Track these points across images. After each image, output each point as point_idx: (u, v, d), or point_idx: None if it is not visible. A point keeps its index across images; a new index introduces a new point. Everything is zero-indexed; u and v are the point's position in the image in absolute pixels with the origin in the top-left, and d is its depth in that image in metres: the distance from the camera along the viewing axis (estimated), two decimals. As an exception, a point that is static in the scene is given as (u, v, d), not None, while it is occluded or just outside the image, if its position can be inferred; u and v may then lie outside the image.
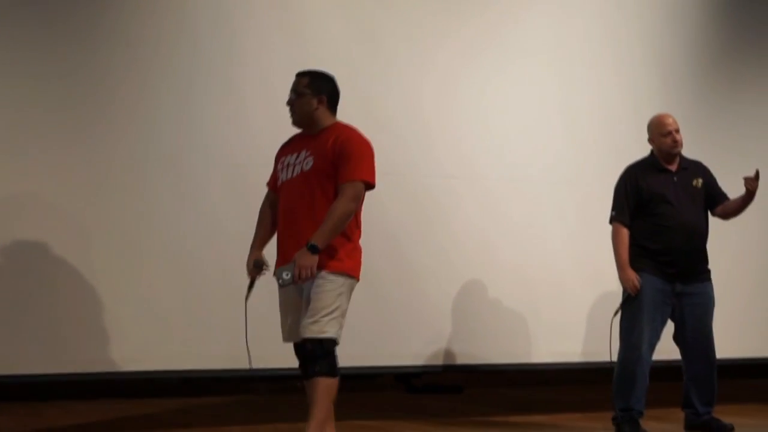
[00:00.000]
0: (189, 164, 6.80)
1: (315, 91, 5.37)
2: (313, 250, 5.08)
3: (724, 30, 8.63)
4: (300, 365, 5.30)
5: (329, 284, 5.17)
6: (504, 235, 7.60)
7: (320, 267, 5.13)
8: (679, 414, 6.72)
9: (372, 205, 7.11)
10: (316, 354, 5.14)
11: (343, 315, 5.23)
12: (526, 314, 7.64)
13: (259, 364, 6.87)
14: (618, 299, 6.56)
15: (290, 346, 6.79)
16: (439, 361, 7.43)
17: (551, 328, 7.76)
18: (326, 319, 5.14)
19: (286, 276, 5.11)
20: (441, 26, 7.50)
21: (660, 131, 6.57)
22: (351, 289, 5.29)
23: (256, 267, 5.43)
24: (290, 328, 5.36)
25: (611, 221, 6.57)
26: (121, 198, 6.63)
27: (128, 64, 6.66)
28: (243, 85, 6.92)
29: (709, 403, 6.61)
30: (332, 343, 5.17)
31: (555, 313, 7.76)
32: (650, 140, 6.64)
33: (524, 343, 7.70)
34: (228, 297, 6.76)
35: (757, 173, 6.46)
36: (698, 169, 6.70)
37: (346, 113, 7.12)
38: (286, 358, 6.88)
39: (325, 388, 5.14)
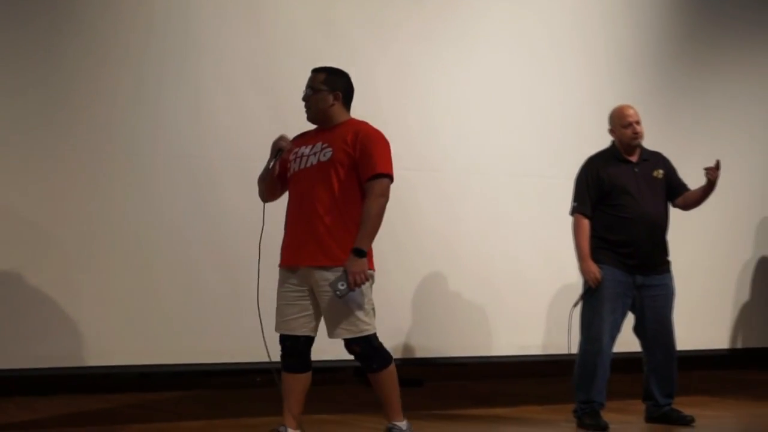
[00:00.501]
0: (148, 157, 6.73)
1: (331, 88, 5.46)
2: (360, 254, 5.20)
3: (684, 22, 8.71)
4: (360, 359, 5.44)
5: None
6: (465, 227, 7.60)
7: (339, 262, 5.24)
8: (640, 406, 6.76)
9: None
10: (367, 353, 5.38)
11: (373, 307, 5.41)
12: (487, 307, 7.65)
13: (217, 358, 6.90)
14: (579, 292, 6.57)
15: (252, 339, 6.79)
16: (399, 355, 7.41)
17: (512, 321, 7.78)
18: (360, 315, 5.32)
19: (342, 287, 5.17)
20: (402, 16, 7.49)
21: (621, 122, 6.58)
22: (373, 281, 5.43)
23: (283, 143, 5.46)
24: (287, 320, 5.45)
25: (572, 213, 6.58)
26: (76, 190, 6.56)
27: (83, 56, 6.59)
28: (200, 75, 6.86)
29: (669, 394, 6.64)
30: (376, 336, 5.39)
31: (516, 305, 7.77)
32: (611, 131, 6.65)
33: (485, 336, 7.70)
34: (186, 291, 6.76)
35: (718, 163, 6.48)
36: (659, 160, 6.72)
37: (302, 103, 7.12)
38: (244, 352, 6.90)
39: (388, 377, 5.39)
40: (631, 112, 6.60)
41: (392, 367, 5.43)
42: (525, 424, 6.70)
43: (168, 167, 6.77)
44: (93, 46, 6.61)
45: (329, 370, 8.19)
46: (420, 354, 7.53)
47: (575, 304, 6.54)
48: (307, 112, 5.49)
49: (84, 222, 6.57)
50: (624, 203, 6.49)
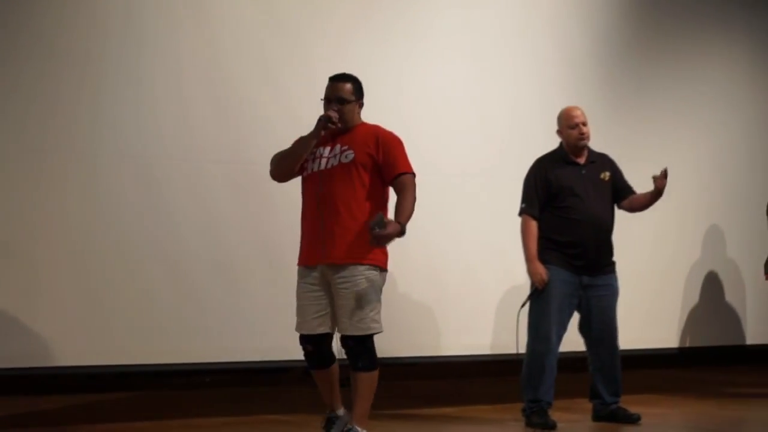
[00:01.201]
0: (91, 156, 6.69)
1: (357, 97, 5.68)
2: (404, 230, 5.40)
3: (630, 24, 8.81)
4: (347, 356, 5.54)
5: (368, 281, 5.46)
6: (414, 227, 7.53)
7: (358, 260, 5.43)
8: (587, 404, 6.81)
9: (282, 198, 7.12)
10: (358, 350, 5.46)
11: (380, 307, 5.55)
12: (436, 307, 7.68)
13: (166, 359, 6.88)
14: (527, 292, 6.61)
15: (201, 339, 6.80)
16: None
17: (461, 321, 7.82)
18: (372, 315, 5.47)
19: (378, 228, 5.23)
20: (352, 17, 7.50)
21: (568, 123, 6.62)
22: (384, 281, 5.60)
23: (332, 113, 5.56)
24: (308, 321, 5.57)
25: (520, 213, 6.61)
26: (19, 190, 6.52)
27: (26, 56, 6.55)
28: (144, 74, 6.82)
29: (615, 393, 6.71)
30: (372, 338, 5.51)
31: (465, 305, 7.81)
32: (559, 132, 6.69)
33: (434, 335, 7.74)
34: (133, 292, 6.73)
35: (665, 172, 6.55)
36: (605, 161, 6.77)
37: (256, 99, 7.12)
38: (194, 352, 6.89)
39: (368, 381, 5.49)
40: (577, 113, 6.64)
41: (377, 373, 5.53)
42: (473, 424, 6.74)
43: (111, 166, 6.73)
44: (36, 45, 6.57)
45: (279, 370, 8.21)
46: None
47: (523, 305, 6.59)
48: (338, 122, 5.57)
49: (26, 222, 6.53)
50: (571, 205, 6.53)
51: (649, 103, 8.80)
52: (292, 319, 7.08)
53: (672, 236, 8.86)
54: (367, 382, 5.50)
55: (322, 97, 5.59)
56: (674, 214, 8.84)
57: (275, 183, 7.06)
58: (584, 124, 6.63)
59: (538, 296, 6.50)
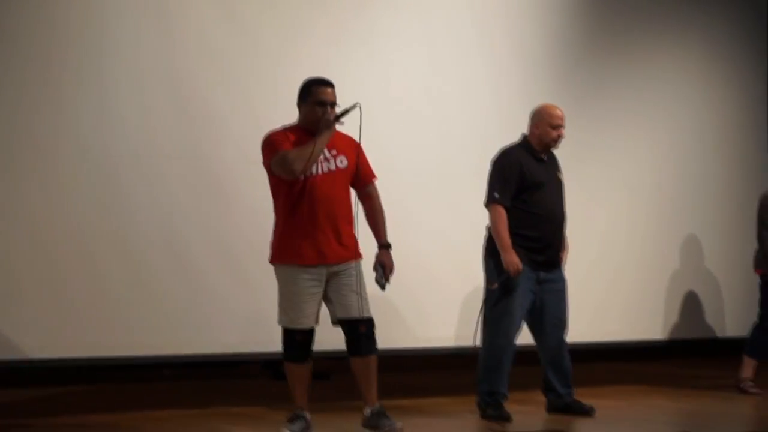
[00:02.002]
0: (52, 154, 6.69)
1: None
2: (390, 248, 6.00)
3: (583, 25, 8.87)
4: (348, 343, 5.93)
5: (360, 274, 5.89)
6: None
7: (355, 257, 5.89)
8: (542, 397, 6.88)
9: (239, 194, 7.16)
10: (370, 334, 5.88)
11: None
12: (395, 301, 7.70)
13: (123, 351, 6.89)
14: (484, 285, 6.67)
15: (158, 331, 6.81)
16: (308, 348, 7.45)
17: (419, 314, 7.86)
18: (367, 303, 5.87)
19: (383, 280, 5.94)
20: (310, 16, 7.51)
21: (550, 123, 6.64)
22: None
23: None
24: (308, 316, 5.83)
25: (492, 202, 6.54)
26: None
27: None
28: (105, 72, 6.81)
29: (568, 384, 6.79)
30: None
31: (423, 299, 7.85)
32: (534, 127, 6.68)
33: (392, 328, 7.74)
34: (90, 285, 6.72)
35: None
36: (557, 162, 6.84)
37: (214, 97, 7.13)
38: (151, 345, 6.90)
39: (376, 362, 5.91)
40: (561, 114, 6.67)
41: None
42: (429, 415, 6.79)
43: (71, 164, 6.72)
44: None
45: (238, 363, 8.24)
46: (328, 347, 7.55)
47: (487, 300, 6.59)
48: (337, 125, 5.83)
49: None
50: (538, 200, 6.58)
51: (602, 103, 8.87)
52: (250, 312, 7.18)
53: (627, 230, 8.95)
54: (376, 363, 5.90)
55: (319, 101, 5.80)
56: (627, 211, 8.95)
57: (231, 179, 7.17)
58: (563, 126, 6.68)
59: (509, 285, 6.51)
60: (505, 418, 6.50)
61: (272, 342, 7.24)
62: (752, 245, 8.17)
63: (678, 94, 9.36)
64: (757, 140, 9.94)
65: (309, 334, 5.87)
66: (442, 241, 7.93)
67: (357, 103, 5.74)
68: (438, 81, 8.00)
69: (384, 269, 5.92)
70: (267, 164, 5.84)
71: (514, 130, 6.89)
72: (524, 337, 6.77)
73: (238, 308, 7.19)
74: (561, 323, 6.73)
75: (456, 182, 7.96)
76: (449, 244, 7.92)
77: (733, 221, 9.60)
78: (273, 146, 5.78)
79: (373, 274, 5.95)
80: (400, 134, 7.83)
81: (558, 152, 6.83)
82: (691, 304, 9.35)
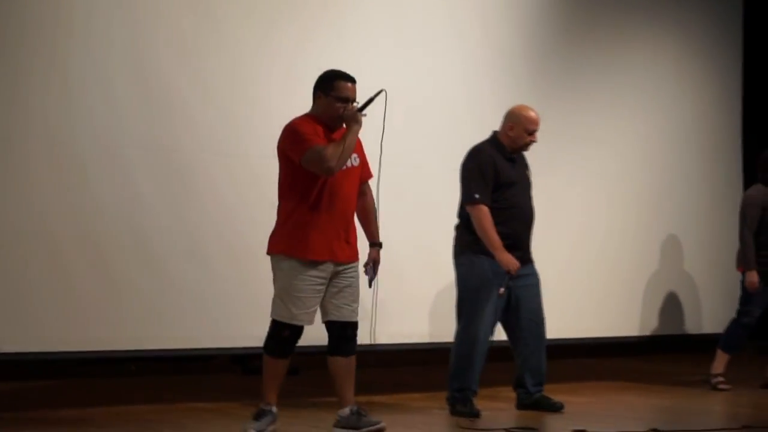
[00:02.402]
0: (17, 144, 6.59)
1: None
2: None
3: (556, 19, 8.86)
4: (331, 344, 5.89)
5: (359, 275, 5.89)
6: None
7: (357, 258, 5.87)
8: (511, 393, 6.88)
9: (206, 186, 7.11)
10: (354, 336, 5.88)
11: None
12: (365, 296, 7.66)
13: (91, 346, 6.83)
14: (453, 280, 6.66)
15: (125, 326, 6.75)
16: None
17: (391, 310, 7.81)
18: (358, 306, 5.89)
19: (373, 277, 5.95)
20: (278, 6, 7.46)
21: (527, 127, 6.63)
22: None
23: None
24: (311, 312, 5.76)
25: (473, 203, 6.52)
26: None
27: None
28: (71, 62, 6.72)
29: (539, 382, 6.79)
30: None
31: (394, 295, 7.80)
32: (508, 128, 6.66)
33: (363, 324, 7.73)
34: (55, 279, 6.64)
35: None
36: (525, 161, 6.84)
37: (179, 87, 7.06)
38: (119, 339, 6.84)
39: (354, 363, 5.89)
40: (538, 118, 6.67)
41: None
42: (399, 411, 6.78)
43: (38, 157, 6.62)
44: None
45: (205, 358, 8.20)
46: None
47: (460, 297, 6.59)
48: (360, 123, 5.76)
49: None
50: (510, 197, 6.59)
51: (576, 97, 8.86)
52: (218, 306, 7.12)
53: (602, 227, 8.96)
54: (354, 363, 5.89)
55: (341, 96, 5.75)
56: (603, 206, 8.95)
57: (199, 172, 7.11)
58: (538, 130, 6.68)
59: (472, 287, 6.53)
60: (475, 414, 6.50)
61: (241, 337, 7.26)
62: (726, 242, 8.23)
63: (651, 89, 9.37)
64: (731, 134, 9.98)
65: (299, 331, 5.77)
66: (414, 236, 7.89)
67: (382, 89, 5.71)
68: (410, 76, 7.95)
69: (375, 268, 5.92)
70: (295, 156, 5.65)
71: (486, 125, 6.88)
72: (496, 333, 6.76)
73: (207, 303, 7.14)
74: (537, 318, 6.73)
75: (427, 178, 7.92)
76: (420, 241, 7.89)
77: (708, 217, 9.64)
78: (304, 139, 5.63)
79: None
80: (367, 130, 7.77)
81: (532, 147, 6.81)
82: (666, 301, 9.37)
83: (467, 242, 6.60)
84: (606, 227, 8.96)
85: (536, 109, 6.77)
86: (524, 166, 6.78)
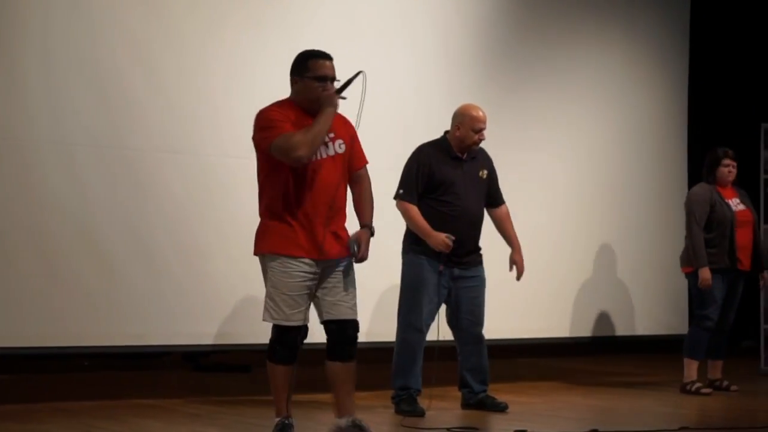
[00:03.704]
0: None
1: None
2: (372, 229, 5.50)
3: (508, 23, 8.90)
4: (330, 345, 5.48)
5: (353, 270, 5.51)
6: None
7: (348, 253, 5.42)
8: (456, 393, 6.94)
9: (157, 184, 7.13)
10: (354, 337, 5.44)
11: None
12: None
13: (40, 342, 6.84)
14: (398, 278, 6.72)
15: (73, 322, 6.74)
16: (226, 341, 7.45)
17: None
18: (356, 303, 5.49)
19: (354, 250, 5.42)
20: (231, 2, 7.47)
21: (472, 126, 6.67)
22: None
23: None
24: (303, 311, 5.36)
25: (397, 198, 6.62)
26: None
27: None
28: (18, 55, 6.70)
29: (483, 381, 6.85)
30: None
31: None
32: (455, 128, 6.71)
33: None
34: (6, 275, 6.64)
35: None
36: (485, 160, 6.86)
37: (130, 84, 7.06)
38: (70, 335, 6.86)
39: (355, 369, 5.49)
40: (484, 117, 6.70)
41: None
42: (344, 410, 6.81)
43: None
44: None
45: (157, 355, 8.23)
46: (247, 340, 7.57)
47: (401, 296, 6.66)
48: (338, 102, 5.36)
49: None
50: (449, 200, 6.63)
51: (527, 101, 8.92)
52: (171, 303, 7.14)
53: (552, 225, 9.02)
54: (355, 369, 5.51)
55: (325, 75, 5.38)
56: (548, 207, 9.00)
57: (149, 169, 7.11)
58: (485, 129, 6.71)
59: (409, 286, 6.60)
60: (419, 413, 6.55)
61: (193, 334, 7.29)
62: (670, 243, 8.25)
63: (598, 94, 9.42)
64: (676, 138, 10.04)
65: (299, 332, 5.36)
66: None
67: (360, 71, 5.32)
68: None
69: (358, 248, 5.42)
70: (263, 144, 5.30)
71: (436, 128, 6.93)
72: (443, 332, 6.82)
73: (158, 300, 7.16)
74: (476, 320, 6.77)
75: (376, 180, 7.94)
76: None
77: (653, 221, 9.70)
78: (271, 126, 5.26)
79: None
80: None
81: (487, 148, 6.89)
82: (611, 302, 9.42)
83: (409, 242, 6.69)
84: (551, 230, 9.00)
85: (489, 115, 6.81)
86: (478, 167, 6.78)
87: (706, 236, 7.77)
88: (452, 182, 6.63)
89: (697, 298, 7.89)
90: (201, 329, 7.34)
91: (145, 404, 6.73)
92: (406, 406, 6.61)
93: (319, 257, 5.31)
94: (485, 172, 6.81)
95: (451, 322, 6.81)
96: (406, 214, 6.64)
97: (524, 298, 8.68)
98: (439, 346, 6.65)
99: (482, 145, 6.87)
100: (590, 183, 9.39)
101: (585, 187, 9.35)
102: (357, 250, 5.42)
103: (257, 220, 7.42)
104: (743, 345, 10.31)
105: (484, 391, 6.85)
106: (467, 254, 6.69)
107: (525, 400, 7.26)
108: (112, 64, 6.98)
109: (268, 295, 5.35)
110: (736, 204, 7.93)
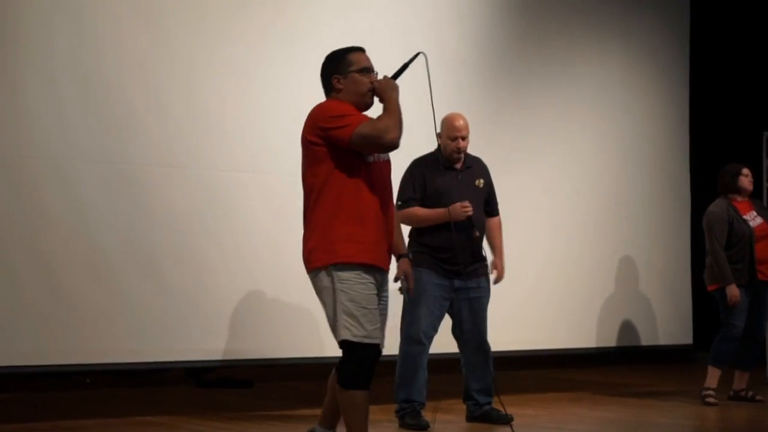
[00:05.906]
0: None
1: None
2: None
3: (506, 30, 8.91)
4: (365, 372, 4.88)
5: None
6: (292, 229, 7.58)
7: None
8: (461, 405, 6.89)
9: (157, 199, 7.10)
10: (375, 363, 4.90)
11: None
12: (314, 308, 7.67)
13: (40, 360, 6.81)
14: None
15: (77, 339, 6.71)
16: (229, 357, 7.42)
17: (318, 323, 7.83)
18: None
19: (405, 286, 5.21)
20: (228, 17, 7.46)
21: (449, 134, 6.66)
22: None
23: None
24: (378, 328, 4.84)
25: (400, 209, 6.49)
26: None
27: None
28: (18, 71, 6.68)
29: (488, 393, 6.79)
30: None
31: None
32: (439, 136, 6.68)
33: (315, 336, 7.76)
34: (6, 292, 6.61)
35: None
36: (481, 168, 6.84)
37: (130, 100, 7.05)
38: (72, 353, 6.83)
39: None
40: (460, 125, 6.65)
41: None
42: (347, 424, 6.78)
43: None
44: None
45: (160, 371, 8.20)
46: (250, 355, 7.56)
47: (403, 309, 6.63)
48: (372, 96, 5.01)
49: None
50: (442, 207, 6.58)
51: (525, 108, 8.91)
52: (172, 319, 7.11)
53: (547, 239, 8.99)
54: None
55: (362, 69, 4.99)
56: (560, 220, 8.98)
57: (148, 183, 7.08)
58: (464, 138, 6.66)
59: (411, 299, 6.49)
60: (423, 426, 6.51)
61: (195, 350, 7.27)
62: (673, 254, 8.22)
63: (599, 105, 9.44)
64: (677, 146, 10.04)
65: (376, 353, 4.83)
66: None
67: (420, 52, 5.04)
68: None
69: (408, 280, 5.16)
70: (344, 134, 4.76)
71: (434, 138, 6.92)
72: (447, 345, 6.78)
73: (162, 316, 7.13)
74: (478, 332, 6.72)
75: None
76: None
77: (656, 230, 9.69)
78: (347, 114, 4.82)
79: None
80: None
81: (485, 155, 6.88)
82: (618, 312, 9.42)
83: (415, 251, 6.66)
84: (555, 242, 8.98)
85: (484, 120, 6.77)
86: (474, 176, 6.75)
87: (726, 253, 7.77)
88: (447, 192, 6.58)
89: (724, 309, 7.84)
90: (203, 345, 7.32)
91: (148, 421, 6.69)
92: (411, 419, 6.57)
93: (383, 264, 4.88)
94: (482, 181, 6.78)
95: (455, 333, 6.78)
96: (411, 218, 6.59)
97: (529, 310, 8.68)
98: (438, 358, 6.62)
99: (481, 155, 6.86)
100: (593, 194, 9.39)
101: (588, 199, 9.34)
102: (407, 285, 5.20)
103: (259, 234, 7.49)
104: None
105: (489, 403, 6.81)
106: (467, 265, 6.65)
107: (530, 412, 7.22)
108: (112, 79, 6.97)
109: (346, 312, 4.74)
110: (753, 217, 7.91)
